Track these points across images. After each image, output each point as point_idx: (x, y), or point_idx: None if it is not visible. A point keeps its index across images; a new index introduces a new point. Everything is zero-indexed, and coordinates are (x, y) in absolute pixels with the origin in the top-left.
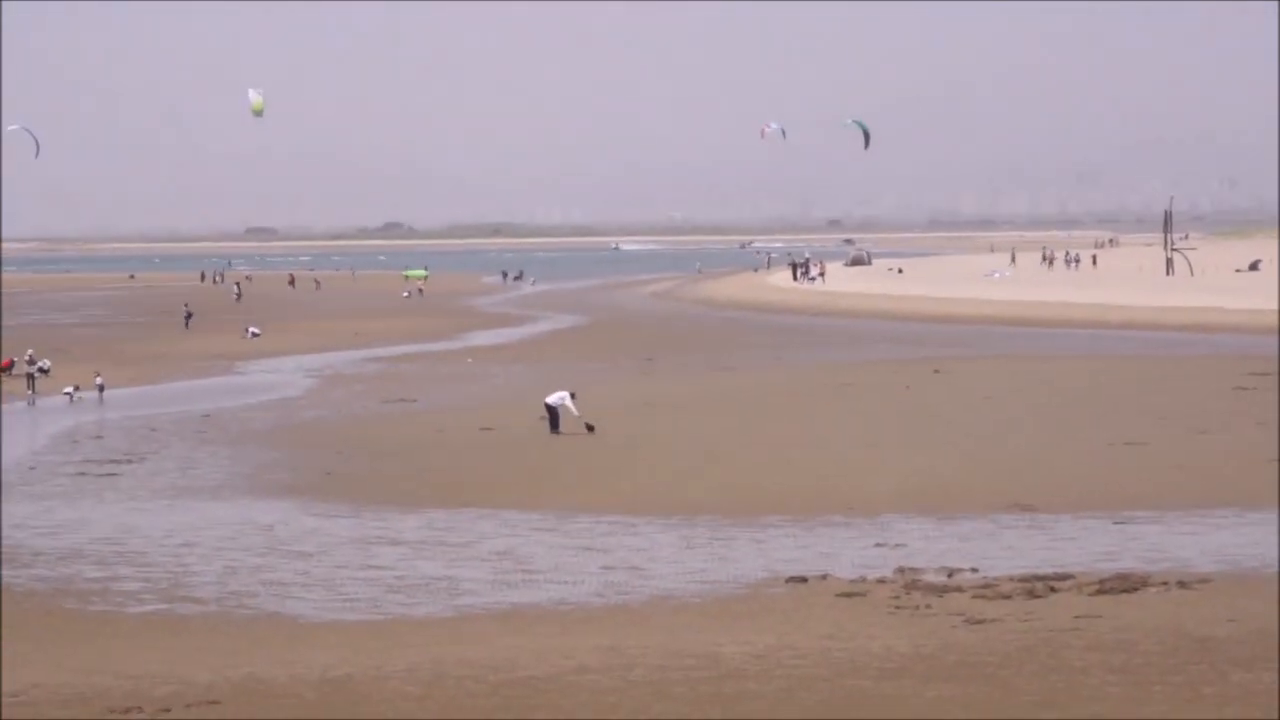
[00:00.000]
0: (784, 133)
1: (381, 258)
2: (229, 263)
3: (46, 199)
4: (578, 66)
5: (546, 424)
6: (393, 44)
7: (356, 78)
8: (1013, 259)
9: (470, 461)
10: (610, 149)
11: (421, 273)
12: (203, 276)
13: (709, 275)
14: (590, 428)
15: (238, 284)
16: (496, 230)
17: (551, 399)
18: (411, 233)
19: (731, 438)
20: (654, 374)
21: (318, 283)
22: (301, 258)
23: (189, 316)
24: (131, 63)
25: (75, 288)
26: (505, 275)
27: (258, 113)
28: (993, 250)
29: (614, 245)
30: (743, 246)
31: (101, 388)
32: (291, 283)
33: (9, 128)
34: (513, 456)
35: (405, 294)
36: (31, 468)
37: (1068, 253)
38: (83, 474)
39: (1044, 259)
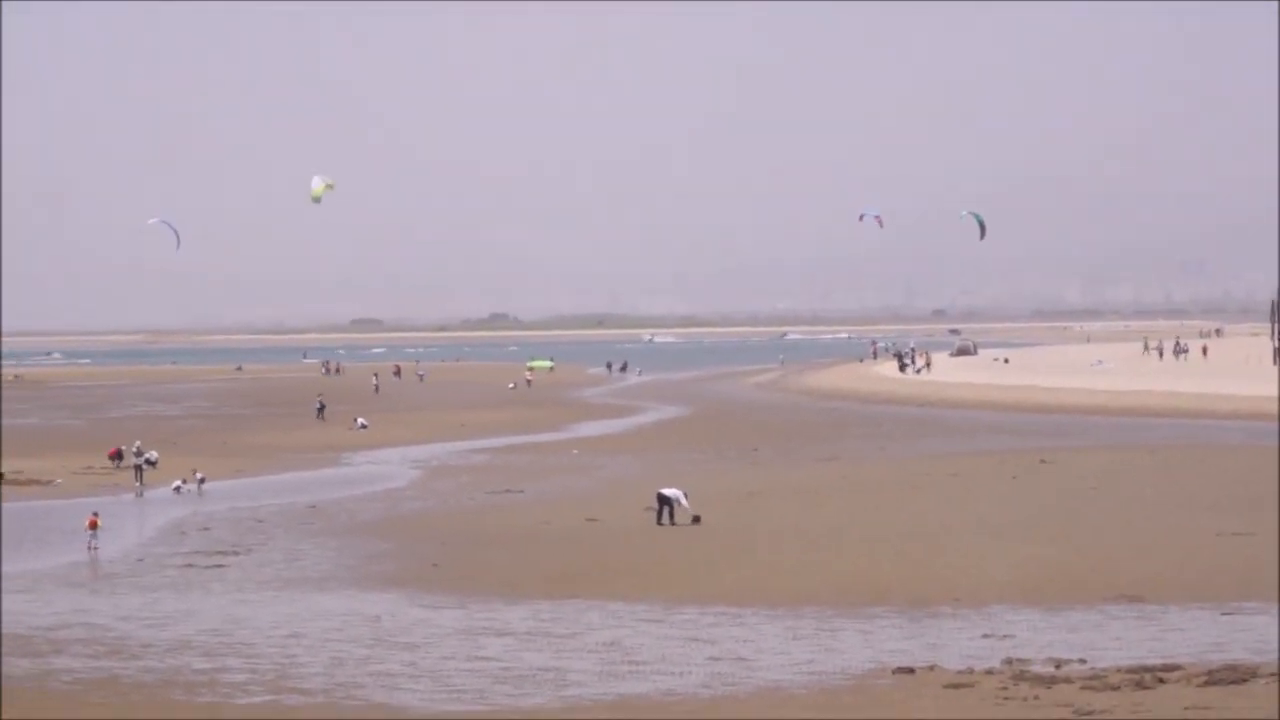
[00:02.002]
0: (880, 220)
1: (462, 349)
2: (341, 352)
3: (150, 290)
4: (680, 158)
5: (653, 515)
6: (494, 138)
7: (459, 170)
8: (1146, 347)
9: (576, 552)
10: (715, 240)
11: (547, 364)
12: (326, 368)
13: (814, 365)
14: (697, 519)
15: (376, 375)
16: (600, 321)
17: (667, 490)
18: (516, 323)
19: (837, 528)
20: (759, 464)
21: (421, 376)
22: (408, 350)
23: (321, 408)
24: (236, 157)
25: (182, 379)
26: (610, 366)
27: (316, 200)
28: (1089, 341)
29: (648, 338)
30: (848, 337)
31: (202, 481)
32: (397, 373)
33: (149, 221)
34: (619, 547)
35: (511, 385)
36: (140, 559)
37: (1176, 342)
38: (190, 565)
39: (1150, 349)
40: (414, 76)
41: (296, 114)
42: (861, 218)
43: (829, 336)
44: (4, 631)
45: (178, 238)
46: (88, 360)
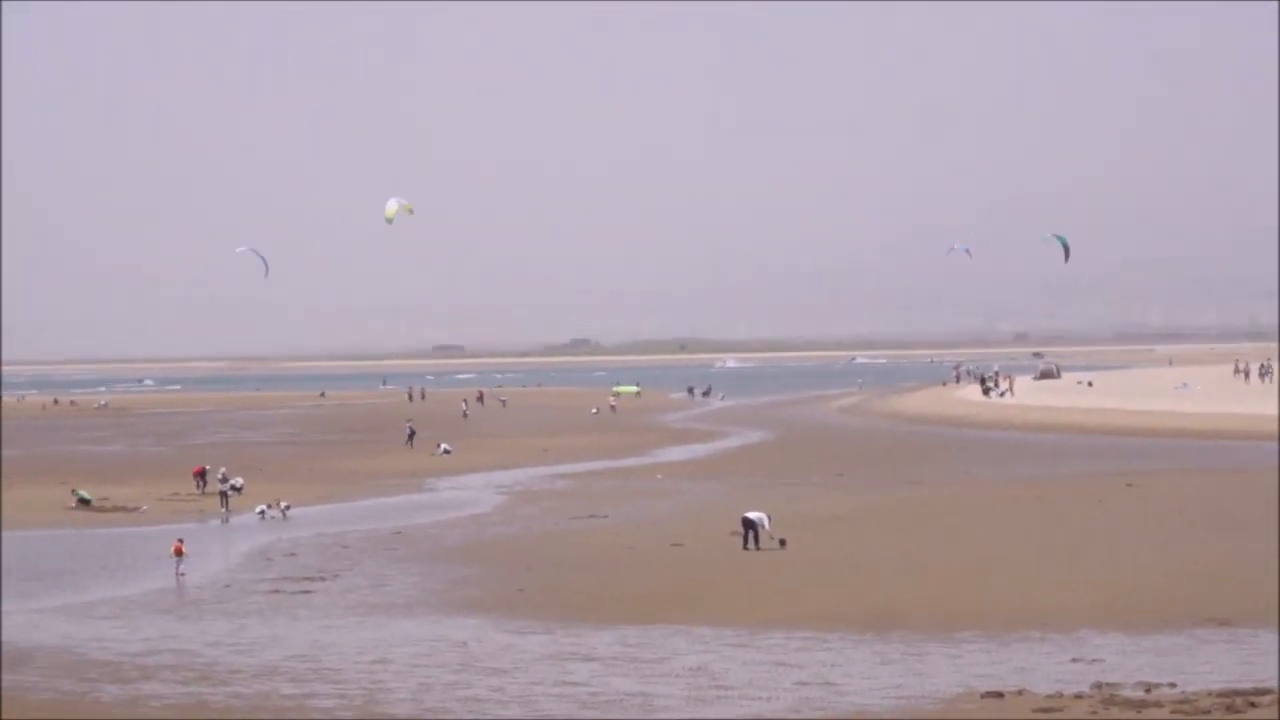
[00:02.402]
0: (969, 252)
1: (519, 373)
2: (429, 379)
3: (232, 318)
4: (763, 180)
5: (739, 539)
6: (574, 162)
7: (543, 195)
8: (1236, 369)
9: (662, 577)
10: (796, 264)
11: (633, 389)
12: (410, 394)
13: (896, 390)
14: (782, 542)
15: (465, 401)
16: (682, 346)
17: (751, 514)
18: (598, 348)
19: (922, 552)
20: (843, 489)
21: (504, 401)
22: (496, 375)
23: (412, 434)
24: (315, 184)
25: (266, 406)
26: (692, 390)
27: (389, 220)
28: (1171, 364)
29: (720, 364)
30: (931, 361)
31: (287, 508)
32: (480, 399)
33: (237, 249)
34: (704, 572)
35: (594, 410)
36: (226, 586)
37: (1262, 365)
38: (277, 591)
39: (1238, 371)
40: (492, 109)
41: (374, 140)
42: (950, 250)
43: (907, 361)
44: (94, 658)
45: (265, 266)
46: (178, 386)
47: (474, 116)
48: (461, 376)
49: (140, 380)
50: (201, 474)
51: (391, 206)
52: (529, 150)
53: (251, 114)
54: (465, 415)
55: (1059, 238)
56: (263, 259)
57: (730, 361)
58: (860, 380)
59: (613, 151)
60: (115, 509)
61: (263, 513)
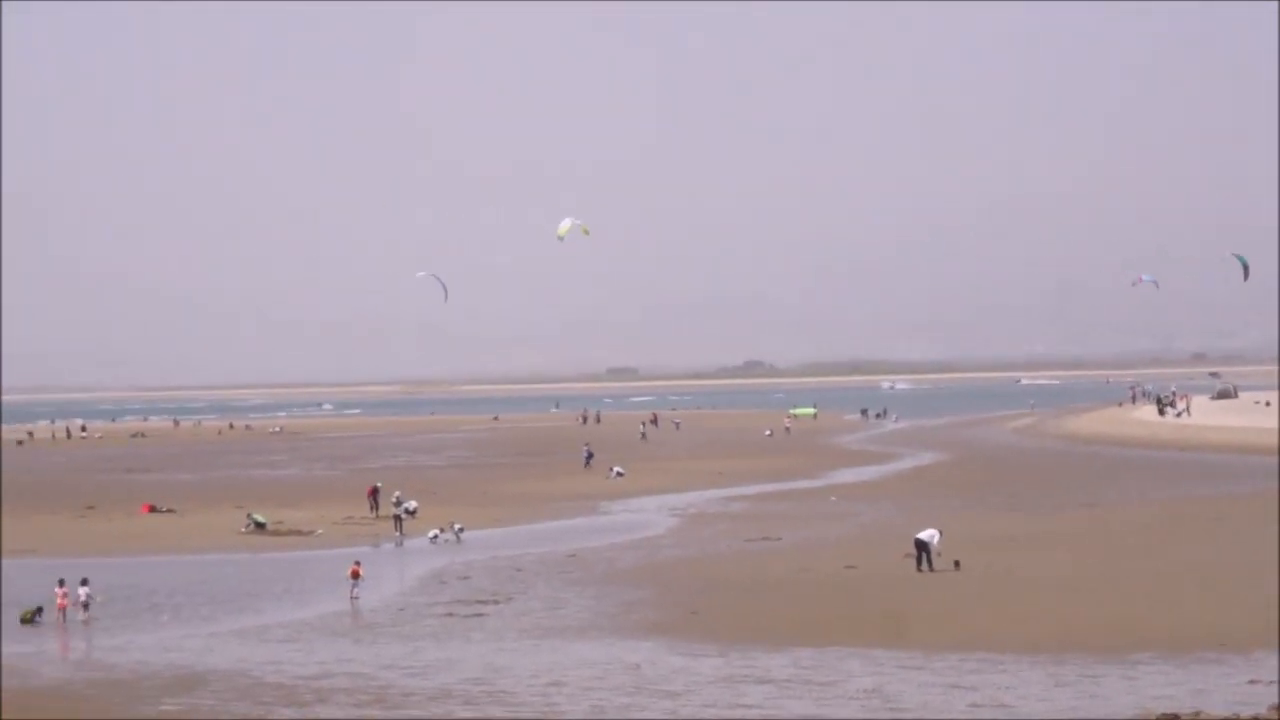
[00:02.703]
0: (1157, 284)
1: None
2: (603, 402)
3: (406, 342)
4: (934, 201)
5: (913, 561)
6: (746, 186)
7: (711, 217)
8: None
9: (835, 599)
10: (967, 285)
11: (810, 411)
12: (583, 417)
13: (1072, 410)
14: (956, 564)
15: (643, 424)
16: (855, 367)
17: (923, 534)
18: (772, 370)
19: (1098, 573)
20: (1018, 510)
21: (678, 424)
22: (671, 398)
23: (590, 456)
24: (482, 208)
25: (440, 429)
26: (865, 412)
27: (561, 238)
28: None
29: (889, 385)
30: (1108, 382)
31: (460, 531)
32: (654, 422)
33: (418, 274)
34: (878, 594)
35: (768, 432)
36: (401, 609)
37: None
38: (451, 614)
39: None
40: (682, 135)
41: (545, 163)
42: (1136, 283)
43: (1082, 381)
44: (268, 681)
45: (445, 291)
46: (357, 410)
47: (648, 136)
48: (636, 399)
49: (319, 404)
50: (374, 494)
51: (565, 225)
52: (707, 174)
53: (432, 142)
54: (644, 438)
55: (1239, 258)
56: (443, 284)
57: (900, 384)
58: (1032, 401)
59: (788, 175)
60: (290, 532)
61: (435, 537)
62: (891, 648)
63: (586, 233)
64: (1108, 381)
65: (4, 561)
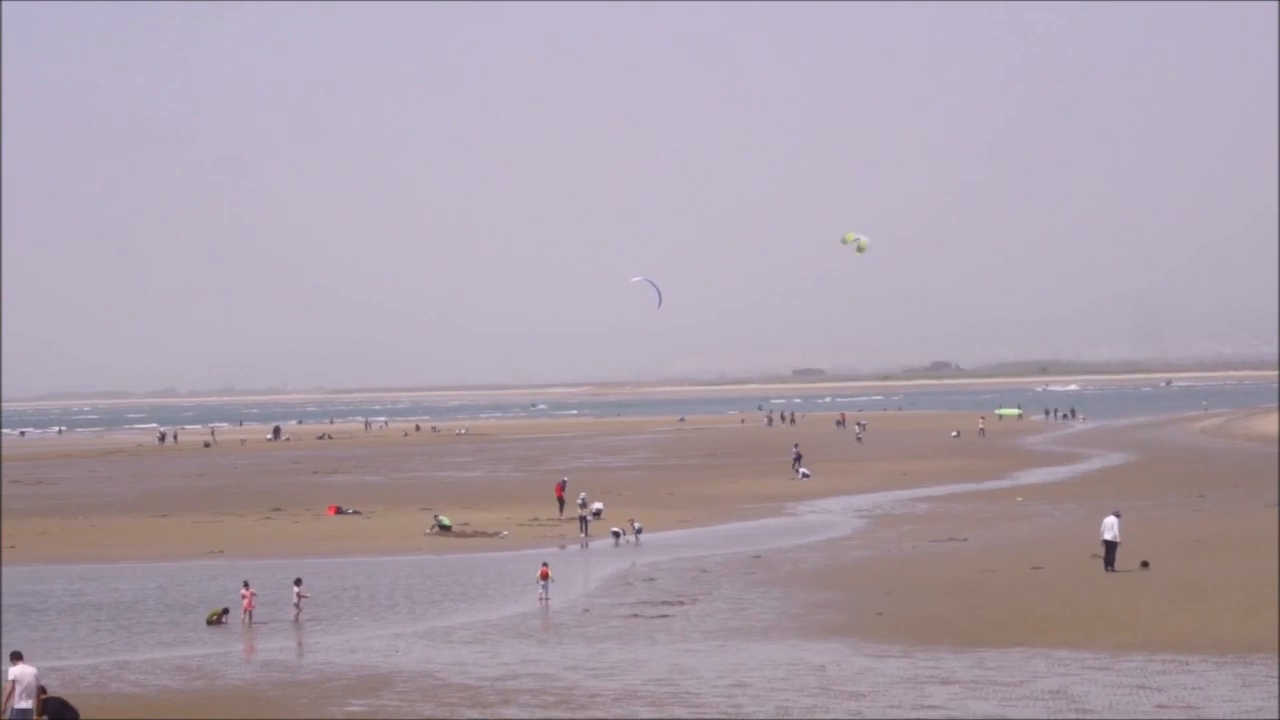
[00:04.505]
0: None
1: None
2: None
3: (593, 345)
4: (1114, 197)
5: (1099, 562)
6: (952, 190)
7: (895, 223)
8: None
9: (1021, 600)
10: (1159, 283)
11: (1015, 411)
12: (769, 419)
13: (1261, 410)
14: (1145, 564)
15: (859, 424)
16: (1044, 368)
17: (1106, 533)
18: (959, 372)
19: None
20: (1205, 510)
21: (860, 424)
22: (861, 399)
23: (798, 458)
24: (674, 210)
25: (626, 431)
26: (1051, 413)
27: (849, 243)
28: None
29: (1166, 382)
30: None
31: (639, 531)
32: (841, 422)
33: (633, 279)
34: (1064, 594)
35: (954, 433)
36: (586, 610)
37: None
38: (636, 615)
39: None
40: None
41: (710, 162)
42: None
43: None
44: (453, 682)
45: (659, 295)
46: (574, 411)
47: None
48: (823, 400)
49: (533, 404)
50: (562, 489)
51: (855, 235)
52: (886, 181)
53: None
54: (859, 440)
55: None
56: (657, 289)
57: (1052, 386)
58: (1205, 402)
59: (966, 181)
60: (475, 534)
61: (617, 535)
62: (1077, 649)
63: (861, 250)
64: None
65: (190, 563)
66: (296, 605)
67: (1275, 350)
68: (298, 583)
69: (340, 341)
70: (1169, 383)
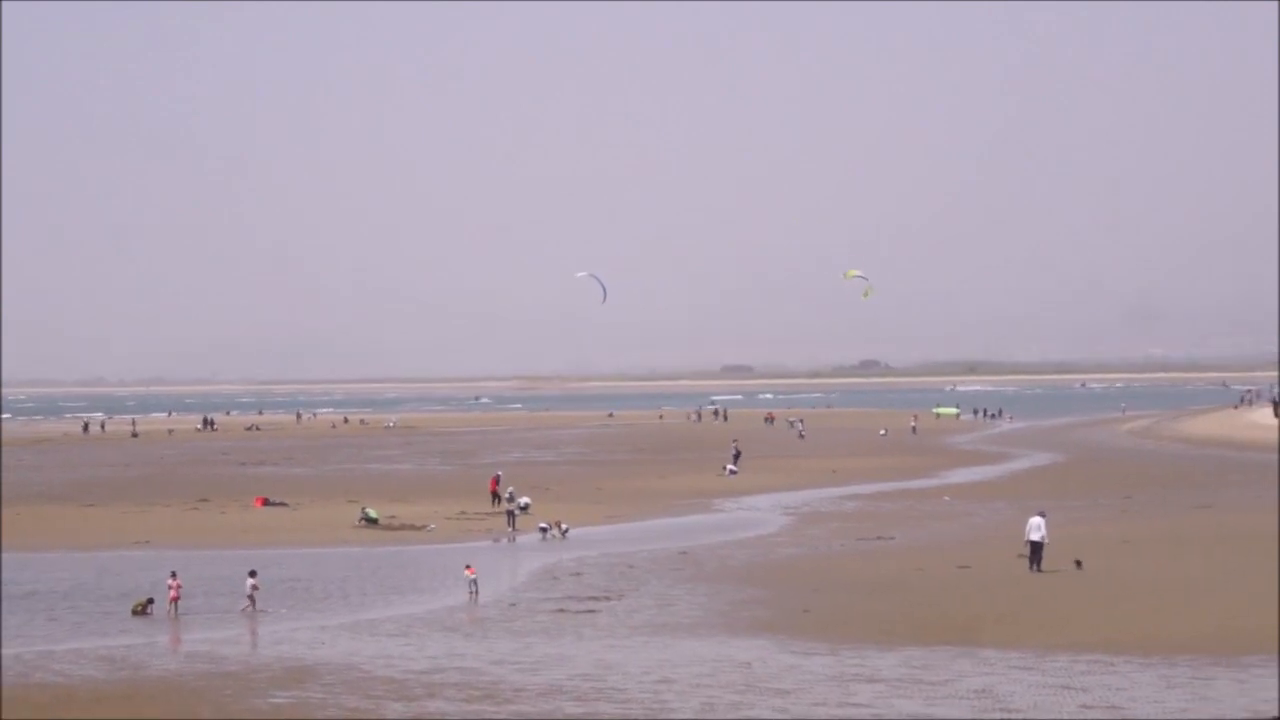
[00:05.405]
0: None
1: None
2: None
3: (523, 339)
4: (1053, 207)
5: (1025, 561)
6: (856, 182)
7: (818, 216)
8: None
9: (948, 599)
10: (1088, 287)
11: (953, 411)
12: (699, 416)
13: (1188, 412)
14: (1078, 563)
15: (800, 421)
16: (972, 368)
17: (1033, 533)
18: (888, 370)
19: (1211, 576)
20: (1132, 511)
21: (791, 422)
22: (793, 396)
23: (738, 455)
24: (609, 204)
25: (555, 426)
26: (977, 412)
27: (848, 278)
28: None
29: (1081, 384)
30: (1224, 385)
31: (565, 530)
32: (770, 420)
33: (577, 274)
34: (991, 594)
35: (882, 432)
36: (512, 604)
37: None
38: (562, 610)
39: None
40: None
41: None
42: None
43: (1195, 384)
44: (379, 675)
45: (604, 291)
46: (519, 406)
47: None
48: (764, 396)
49: (476, 399)
50: (496, 484)
51: (856, 274)
52: (811, 174)
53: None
54: (802, 436)
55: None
56: (602, 284)
57: (962, 386)
58: (1124, 404)
59: (898, 179)
60: (402, 527)
61: (544, 530)
62: (1003, 648)
63: (866, 297)
64: (1224, 385)
65: (117, 553)
66: (250, 597)
67: (1185, 355)
68: (252, 574)
69: (271, 333)
70: (1084, 385)
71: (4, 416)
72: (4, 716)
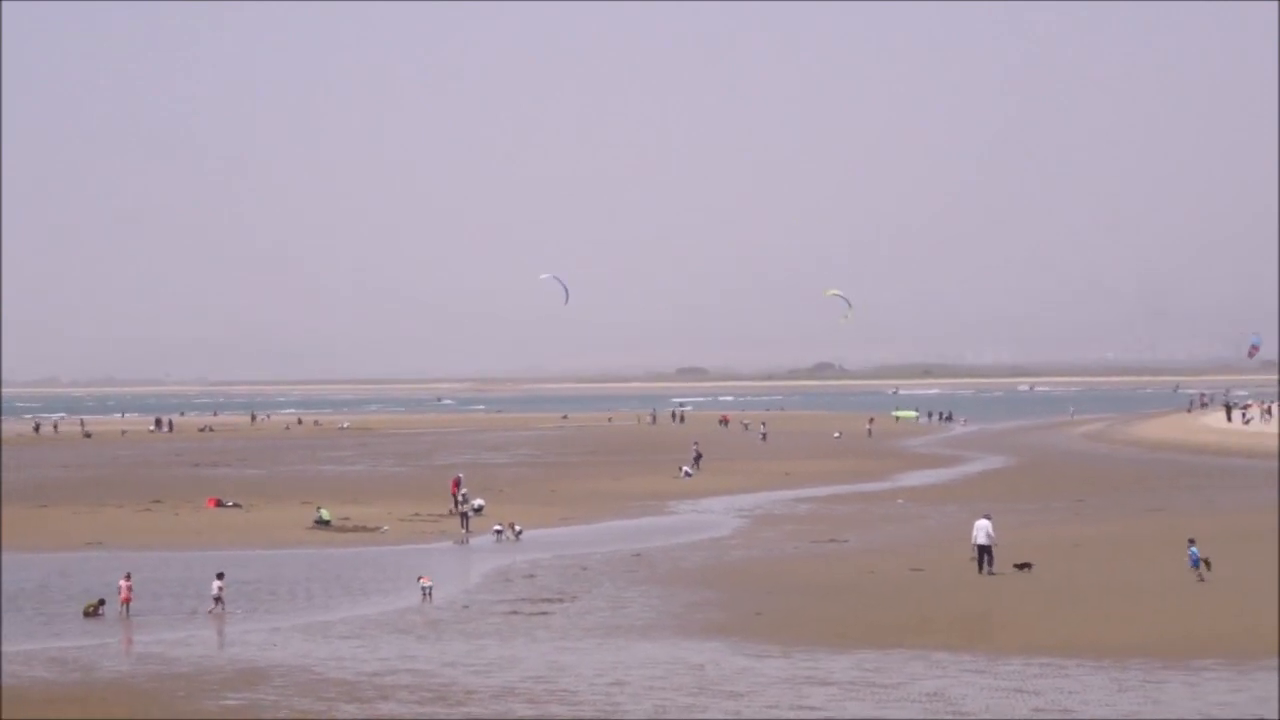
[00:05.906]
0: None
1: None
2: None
3: (477, 340)
4: (1009, 213)
5: (975, 565)
6: (813, 189)
7: (777, 222)
8: None
9: (901, 601)
10: (1043, 290)
11: (912, 414)
12: (654, 418)
13: (1141, 416)
14: (1028, 565)
15: (763, 424)
16: (926, 371)
17: (979, 536)
18: (842, 373)
19: (1163, 580)
20: (1085, 515)
21: (746, 425)
22: (748, 398)
23: (698, 457)
24: (567, 207)
25: (509, 427)
26: (933, 415)
27: (828, 295)
28: None
29: (1027, 386)
30: (1175, 389)
31: (519, 532)
32: (724, 423)
33: (541, 276)
34: (944, 596)
35: (836, 434)
36: (465, 606)
37: None
38: (515, 612)
39: None
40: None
41: (628, 164)
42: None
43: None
44: (331, 677)
45: (566, 293)
46: (482, 407)
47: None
48: (725, 399)
49: (438, 399)
50: (458, 486)
51: (848, 313)
52: (766, 183)
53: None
54: (764, 438)
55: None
56: (564, 286)
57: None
58: (1072, 407)
59: (859, 184)
60: (356, 529)
61: (499, 532)
62: (955, 651)
63: (845, 320)
64: (1176, 389)
65: (69, 554)
66: (217, 598)
67: (1147, 357)
68: (219, 576)
69: (229, 335)
70: (1031, 388)
71: None
72: None
